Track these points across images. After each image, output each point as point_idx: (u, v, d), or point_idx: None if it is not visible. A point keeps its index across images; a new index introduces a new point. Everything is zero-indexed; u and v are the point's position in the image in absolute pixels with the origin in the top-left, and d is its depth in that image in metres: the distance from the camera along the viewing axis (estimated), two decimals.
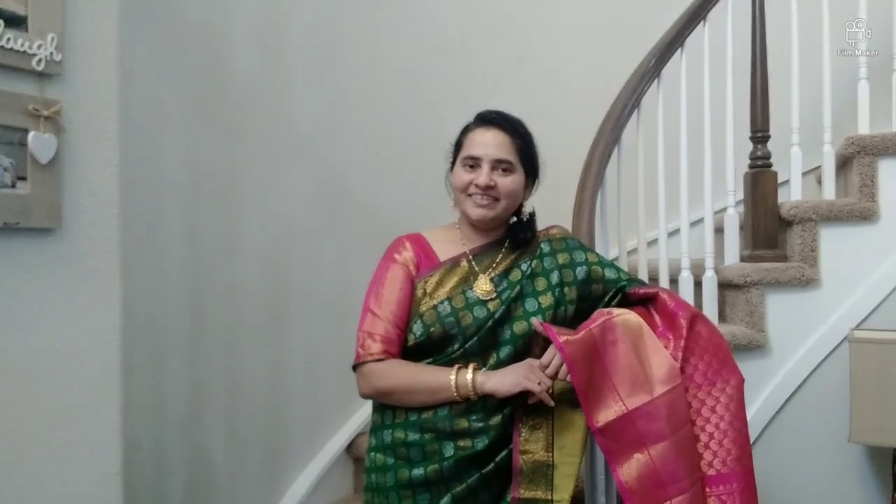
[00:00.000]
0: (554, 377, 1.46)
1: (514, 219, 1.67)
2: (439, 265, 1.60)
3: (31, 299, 1.22)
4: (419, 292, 1.57)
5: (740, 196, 2.53)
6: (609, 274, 1.64)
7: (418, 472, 1.48)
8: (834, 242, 2.39)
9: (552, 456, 1.50)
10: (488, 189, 1.56)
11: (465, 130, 1.62)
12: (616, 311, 1.54)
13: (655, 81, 2.43)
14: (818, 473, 2.32)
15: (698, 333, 1.55)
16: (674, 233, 2.64)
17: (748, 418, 2.25)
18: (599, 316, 1.52)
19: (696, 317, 1.56)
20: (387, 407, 1.56)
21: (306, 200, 2.51)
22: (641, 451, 1.45)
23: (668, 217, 2.43)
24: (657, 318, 1.58)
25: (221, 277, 2.20)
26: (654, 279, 2.49)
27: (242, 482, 2.28)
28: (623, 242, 2.37)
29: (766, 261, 2.43)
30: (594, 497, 1.82)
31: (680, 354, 1.52)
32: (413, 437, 1.50)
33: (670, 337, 1.54)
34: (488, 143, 1.56)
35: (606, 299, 1.62)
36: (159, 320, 2.01)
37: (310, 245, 2.52)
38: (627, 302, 1.62)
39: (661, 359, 1.50)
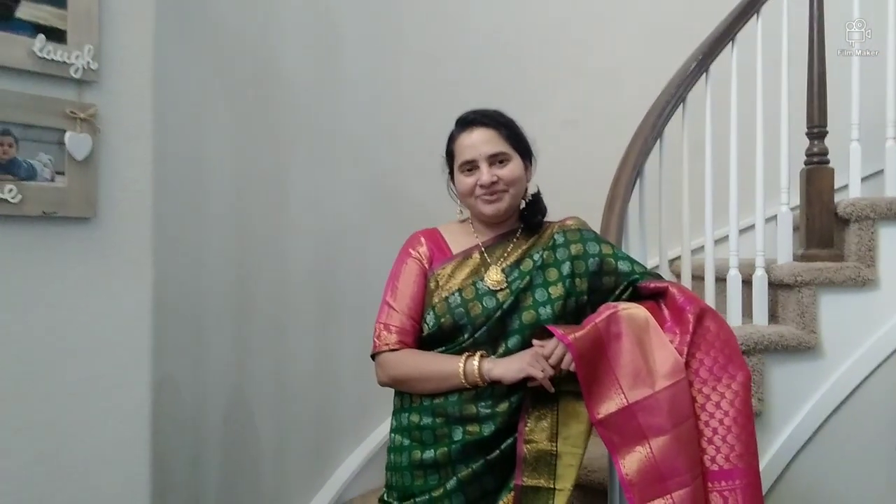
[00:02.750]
0: (556, 366, 1.49)
1: (523, 204, 1.70)
2: (452, 258, 1.66)
3: (67, 281, 1.38)
4: (432, 284, 1.63)
5: (795, 196, 2.44)
6: (622, 266, 1.65)
7: (429, 454, 1.55)
8: (893, 242, 2.27)
9: (556, 446, 1.52)
10: (493, 185, 1.60)
11: (451, 139, 1.67)
12: (622, 304, 1.55)
13: (703, 76, 2.40)
14: (870, 482, 2.22)
15: (706, 328, 1.53)
16: (721, 239, 2.58)
17: (798, 419, 2.25)
18: (606, 309, 1.53)
19: (704, 311, 1.54)
20: (404, 392, 1.64)
21: (357, 200, 2.63)
22: (643, 444, 1.45)
23: (716, 221, 2.38)
24: (666, 313, 1.57)
25: (269, 273, 2.34)
26: (699, 278, 2.46)
27: (288, 464, 2.41)
28: (664, 248, 2.35)
29: (821, 260, 2.34)
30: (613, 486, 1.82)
31: (686, 349, 1.51)
32: (426, 420, 1.57)
33: (677, 332, 1.53)
34: (477, 143, 1.61)
35: (617, 292, 1.63)
36: (204, 310, 2.16)
37: (360, 243, 2.63)
38: (639, 296, 1.62)
39: (665, 353, 1.50)
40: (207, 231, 2.15)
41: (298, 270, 2.43)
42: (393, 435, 1.64)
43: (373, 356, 1.64)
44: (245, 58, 2.27)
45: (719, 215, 2.40)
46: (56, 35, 1.34)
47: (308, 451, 2.49)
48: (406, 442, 1.59)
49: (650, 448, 1.44)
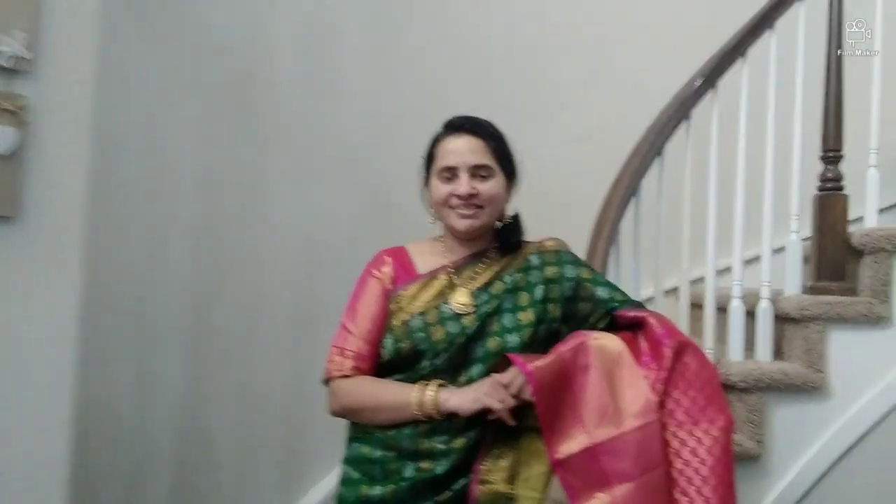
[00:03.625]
0: (517, 396, 1.35)
1: (499, 224, 1.57)
2: (417, 278, 1.54)
3: None
4: (393, 306, 1.51)
5: (805, 225, 2.28)
6: (600, 293, 1.51)
7: (377, 490, 1.43)
8: None
9: (514, 488, 1.39)
10: (471, 198, 1.48)
11: (435, 141, 1.55)
12: (594, 334, 1.41)
13: (711, 93, 2.25)
14: None
15: (685, 365, 1.39)
16: (724, 271, 2.42)
17: (801, 465, 2.07)
18: (574, 338, 1.40)
19: (684, 346, 1.40)
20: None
21: (347, 210, 2.52)
22: (605, 491, 1.31)
23: (719, 250, 2.23)
24: (644, 346, 1.43)
25: (239, 284, 2.23)
26: (697, 306, 2.31)
27: (252, 487, 2.29)
28: (659, 276, 2.19)
29: (831, 293, 2.17)
30: None
31: (661, 387, 1.37)
32: (377, 453, 1.45)
33: (653, 367, 1.39)
34: (462, 150, 1.49)
35: (592, 320, 1.49)
36: (160, 318, 2.06)
37: (348, 255, 2.49)
38: (615, 326, 1.49)
39: (637, 392, 1.36)
40: (167, 236, 2.05)
41: (273, 282, 2.33)
42: (344, 466, 1.52)
43: (325, 382, 1.52)
44: (222, 56, 2.20)
45: (723, 244, 2.25)
46: None
47: (276, 473, 2.36)
48: (355, 475, 1.47)
49: (612, 497, 1.30)
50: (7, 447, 1.31)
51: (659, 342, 1.40)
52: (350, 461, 1.49)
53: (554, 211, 2.40)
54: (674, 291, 2.57)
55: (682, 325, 2.20)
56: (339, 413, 1.51)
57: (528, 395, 1.35)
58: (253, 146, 2.27)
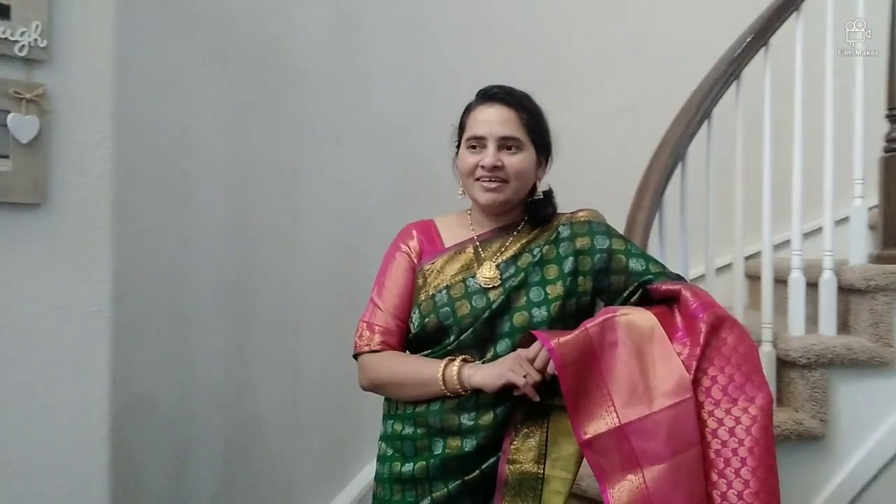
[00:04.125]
0: (542, 371, 1.30)
1: (530, 199, 1.51)
2: (443, 251, 1.50)
3: (12, 272, 1.31)
4: (419, 281, 1.48)
5: (871, 192, 2.13)
6: (634, 265, 1.43)
7: (408, 467, 1.41)
8: None
9: (543, 468, 1.35)
10: (495, 170, 1.42)
11: (467, 110, 1.50)
12: (622, 309, 1.34)
13: (762, 50, 2.12)
14: None
15: (722, 340, 1.30)
16: (781, 245, 2.28)
17: (869, 446, 1.93)
18: (602, 314, 1.33)
19: (721, 320, 1.31)
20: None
21: (384, 188, 2.49)
22: (635, 473, 1.25)
23: (775, 223, 2.10)
24: (679, 321, 1.35)
25: (277, 266, 2.24)
26: (754, 278, 2.18)
27: (298, 469, 2.31)
28: (710, 251, 2.08)
29: None
30: None
31: (694, 363, 1.28)
32: (408, 430, 1.43)
33: (687, 342, 1.31)
34: (492, 120, 1.43)
35: (625, 294, 1.42)
36: (196, 303, 2.08)
37: (387, 232, 2.50)
38: (650, 300, 1.41)
39: (670, 369, 1.28)
40: (199, 223, 2.06)
41: (312, 264, 2.32)
42: (380, 443, 1.51)
43: (355, 356, 1.51)
44: (250, 41, 2.19)
45: (779, 216, 2.11)
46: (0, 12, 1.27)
47: (324, 455, 2.37)
48: (389, 452, 1.46)
49: (643, 477, 1.24)
50: (47, 426, 1.34)
51: (693, 316, 1.32)
52: (384, 438, 1.48)
53: (598, 183, 2.31)
54: (727, 268, 2.45)
55: (738, 300, 2.09)
56: (367, 387, 1.50)
57: (552, 369, 1.29)
58: (283, 129, 2.27)
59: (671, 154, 1.92)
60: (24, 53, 1.29)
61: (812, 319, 2.13)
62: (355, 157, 2.43)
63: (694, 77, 2.65)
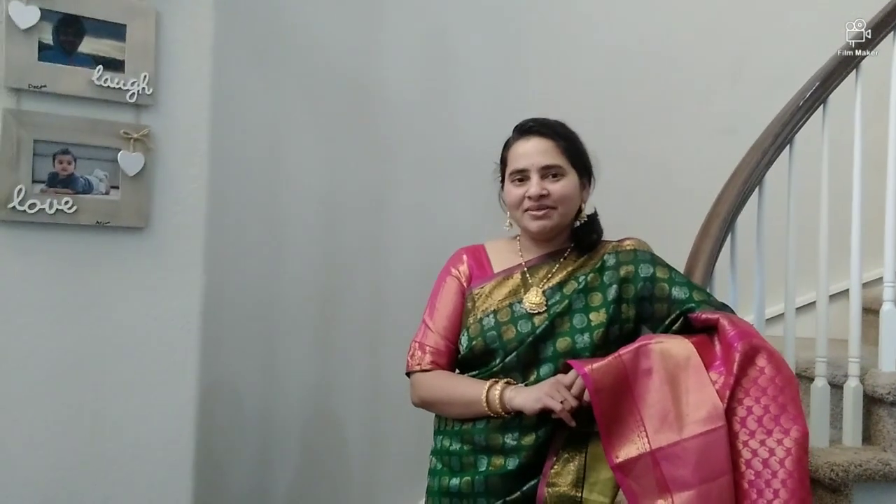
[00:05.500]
0: (579, 397, 1.35)
1: (577, 224, 1.57)
2: (491, 276, 1.58)
3: (118, 286, 1.53)
4: (469, 304, 1.56)
5: None
6: (677, 293, 1.46)
7: (455, 481, 1.49)
8: None
9: (581, 492, 1.39)
10: (542, 198, 1.49)
11: (506, 146, 1.58)
12: (658, 337, 1.37)
13: (854, 72, 2.05)
14: None
15: (760, 371, 1.30)
16: (871, 283, 2.16)
17: None
18: (638, 341, 1.37)
19: (757, 349, 1.31)
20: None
21: (468, 213, 2.59)
22: (665, 498, 1.27)
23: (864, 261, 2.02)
24: (717, 349, 1.36)
25: (363, 282, 2.40)
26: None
27: (381, 471, 2.44)
28: (791, 288, 2.02)
29: None
30: None
31: (728, 392, 1.29)
32: (455, 446, 1.51)
33: (723, 371, 1.32)
34: (531, 152, 1.51)
35: (667, 322, 1.45)
36: (284, 316, 2.27)
37: None
38: (691, 328, 1.42)
39: (703, 397, 1.30)
40: (288, 242, 2.26)
41: (396, 281, 2.47)
42: (430, 457, 1.60)
43: (407, 374, 1.62)
44: (341, 75, 2.37)
45: (869, 253, 2.03)
46: (115, 65, 1.51)
47: (405, 462, 2.49)
48: (439, 466, 1.55)
49: (673, 503, 1.26)
50: (141, 425, 1.56)
51: (730, 345, 1.33)
52: (435, 452, 1.57)
53: (700, 206, 2.31)
54: (809, 306, 2.34)
55: (821, 340, 2.01)
56: (418, 404, 1.59)
57: (588, 396, 1.34)
58: (372, 156, 2.44)
59: (745, 182, 1.89)
60: (133, 100, 1.52)
61: None
62: (442, 183, 2.56)
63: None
